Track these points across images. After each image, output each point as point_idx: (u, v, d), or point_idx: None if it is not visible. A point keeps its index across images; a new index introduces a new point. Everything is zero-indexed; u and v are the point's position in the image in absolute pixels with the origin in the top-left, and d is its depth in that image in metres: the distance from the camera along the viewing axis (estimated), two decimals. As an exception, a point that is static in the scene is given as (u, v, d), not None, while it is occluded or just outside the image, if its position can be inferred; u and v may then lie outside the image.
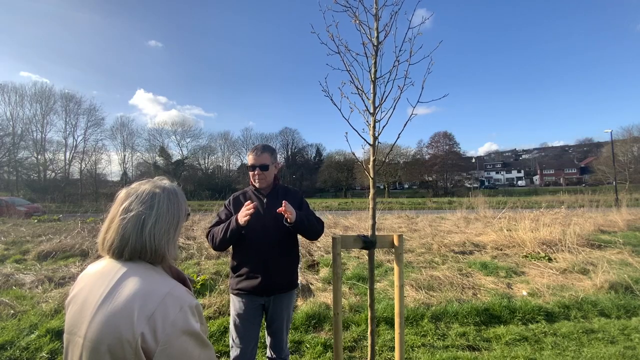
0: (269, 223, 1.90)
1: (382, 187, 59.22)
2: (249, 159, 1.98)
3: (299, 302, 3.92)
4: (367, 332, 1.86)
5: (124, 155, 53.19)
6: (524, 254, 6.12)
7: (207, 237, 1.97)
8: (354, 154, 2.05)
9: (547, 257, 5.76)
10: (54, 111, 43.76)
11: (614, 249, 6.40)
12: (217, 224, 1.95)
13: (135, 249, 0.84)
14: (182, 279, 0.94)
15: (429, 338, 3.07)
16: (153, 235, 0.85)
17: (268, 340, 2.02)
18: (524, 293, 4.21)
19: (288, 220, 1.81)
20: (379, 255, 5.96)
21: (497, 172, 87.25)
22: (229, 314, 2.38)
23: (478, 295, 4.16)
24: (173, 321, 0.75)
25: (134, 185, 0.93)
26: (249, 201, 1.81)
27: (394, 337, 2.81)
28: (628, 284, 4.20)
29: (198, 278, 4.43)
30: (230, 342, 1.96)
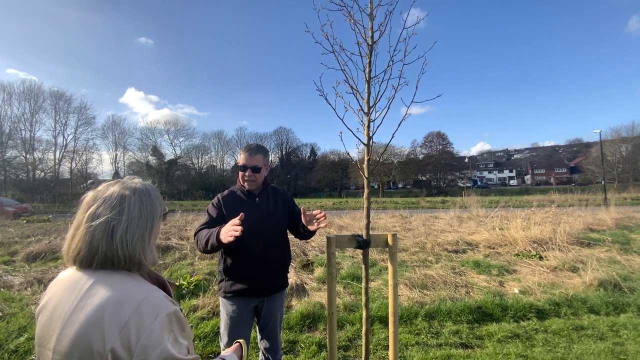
0: (263, 223, 1.87)
1: (376, 186, 59.49)
2: (241, 158, 1.92)
3: (294, 302, 3.92)
4: (361, 331, 1.87)
5: (116, 155, 52.55)
6: (516, 252, 6.20)
7: (196, 234, 1.86)
8: (348, 154, 2.05)
9: (538, 256, 5.85)
10: (43, 109, 42.95)
11: (602, 247, 6.53)
12: (209, 223, 1.86)
13: (107, 258, 0.77)
14: (161, 284, 0.88)
15: (422, 336, 3.09)
16: (125, 243, 0.78)
17: (262, 342, 1.99)
18: (516, 291, 4.27)
19: (310, 229, 1.79)
20: (373, 254, 5.98)
21: (489, 172, 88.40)
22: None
23: (471, 294, 4.20)
24: (149, 330, 0.70)
25: (100, 187, 0.85)
26: (237, 219, 1.58)
27: (388, 336, 2.82)
28: (616, 281, 4.29)
29: (192, 279, 4.39)
30: (221, 346, 1.90)
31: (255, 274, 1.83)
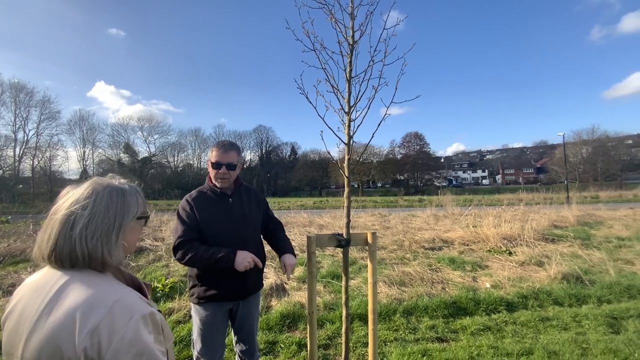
0: (237, 224, 1.80)
1: (356, 185, 60.17)
2: (214, 155, 1.79)
3: (274, 302, 3.88)
4: (341, 329, 1.88)
5: (84, 152, 49.78)
6: (488, 248, 6.48)
7: (176, 249, 1.68)
8: (329, 153, 2.05)
9: (508, 251, 6.15)
10: (1, 102, 39.86)
11: (566, 243, 6.97)
12: (186, 233, 1.69)
13: (65, 253, 0.73)
14: (136, 285, 0.85)
15: (400, 332, 3.16)
16: (84, 238, 0.74)
17: (238, 345, 1.93)
18: (488, 285, 4.47)
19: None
20: (353, 252, 6.04)
21: (463, 172, 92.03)
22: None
23: (446, 289, 4.34)
24: (121, 334, 0.67)
25: (84, 183, 0.83)
26: (251, 256, 1.65)
27: (367, 333, 2.86)
28: (578, 274, 4.59)
29: (167, 281, 4.24)
30: (195, 353, 1.81)
31: (231, 278, 1.75)
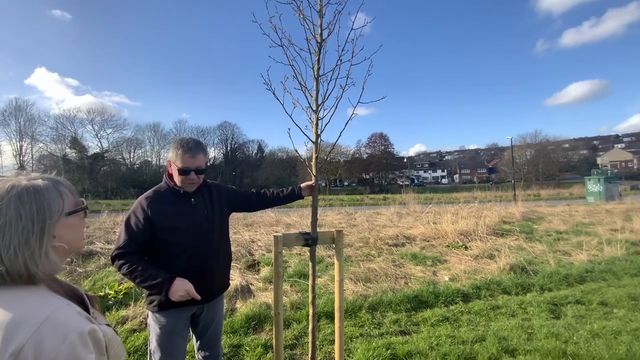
0: (202, 224, 1.69)
1: (323, 184, 60.68)
2: (180, 160, 1.62)
3: (239, 304, 3.77)
4: (308, 328, 1.86)
5: (21, 146, 44.44)
6: (447, 244, 6.88)
7: (114, 259, 1.54)
8: (296, 151, 2.02)
9: (464, 246, 6.58)
10: None
11: (513, 237, 7.62)
12: (129, 244, 1.54)
13: None
14: (78, 297, 0.75)
15: (366, 328, 3.23)
16: None
17: (200, 352, 1.83)
18: (446, 279, 4.74)
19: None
20: (320, 251, 6.08)
21: (425, 171, 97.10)
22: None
23: (409, 284, 4.53)
24: (52, 356, 0.59)
25: None
26: (188, 287, 1.49)
27: (334, 331, 2.89)
28: (523, 265, 5.04)
29: (120, 287, 3.93)
30: None
31: (199, 281, 1.63)
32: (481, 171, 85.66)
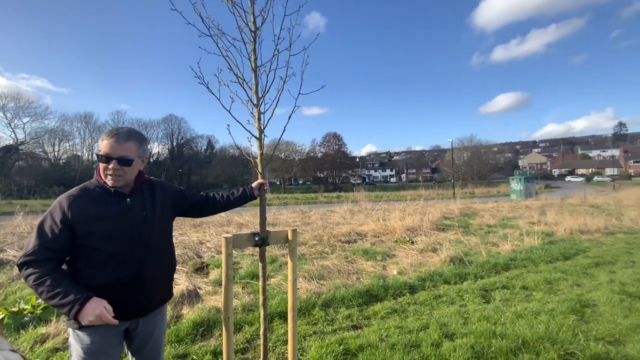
0: (138, 228, 1.47)
1: (278, 182, 59.96)
2: (103, 145, 1.40)
3: (185, 311, 3.52)
4: (260, 331, 1.80)
5: None
6: (395, 239, 7.27)
7: (20, 267, 1.31)
8: (238, 147, 1.91)
9: (410, 241, 7.01)
10: None
11: (452, 231, 8.35)
12: (39, 251, 1.30)
13: None
14: None
15: (319, 325, 3.24)
16: None
17: None
18: (395, 272, 5.00)
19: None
20: (274, 250, 5.97)
21: (375, 170, 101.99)
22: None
23: (361, 279, 4.68)
24: None
25: None
26: (102, 310, 1.25)
27: (287, 331, 2.85)
28: (461, 257, 5.54)
29: (38, 300, 3.39)
30: None
31: (130, 296, 1.43)
32: (425, 171, 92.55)
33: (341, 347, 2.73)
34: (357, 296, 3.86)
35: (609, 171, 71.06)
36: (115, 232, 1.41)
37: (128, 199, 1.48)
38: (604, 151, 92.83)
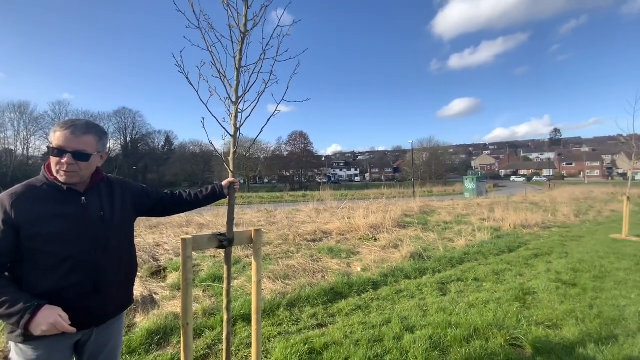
0: (94, 229, 1.35)
1: (242, 181, 58.33)
2: (56, 137, 1.27)
3: (138, 319, 3.27)
4: (222, 335, 1.72)
5: None
6: (359, 237, 7.44)
7: None
8: (211, 144, 1.84)
9: (374, 238, 7.22)
10: None
11: (412, 228, 8.75)
12: None
13: None
14: None
15: (284, 326, 3.21)
16: None
17: None
18: (359, 269, 5.11)
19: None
20: (237, 251, 5.80)
21: (340, 170, 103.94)
22: None
23: (326, 277, 4.71)
24: None
25: None
26: (57, 319, 1.14)
27: (251, 334, 2.77)
28: (420, 252, 5.82)
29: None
30: None
31: (83, 304, 1.31)
32: (388, 170, 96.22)
33: (306, 346, 2.72)
34: (322, 294, 3.88)
35: (546, 172, 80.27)
36: (68, 233, 1.27)
37: (83, 198, 1.35)
38: (542, 154, 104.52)
